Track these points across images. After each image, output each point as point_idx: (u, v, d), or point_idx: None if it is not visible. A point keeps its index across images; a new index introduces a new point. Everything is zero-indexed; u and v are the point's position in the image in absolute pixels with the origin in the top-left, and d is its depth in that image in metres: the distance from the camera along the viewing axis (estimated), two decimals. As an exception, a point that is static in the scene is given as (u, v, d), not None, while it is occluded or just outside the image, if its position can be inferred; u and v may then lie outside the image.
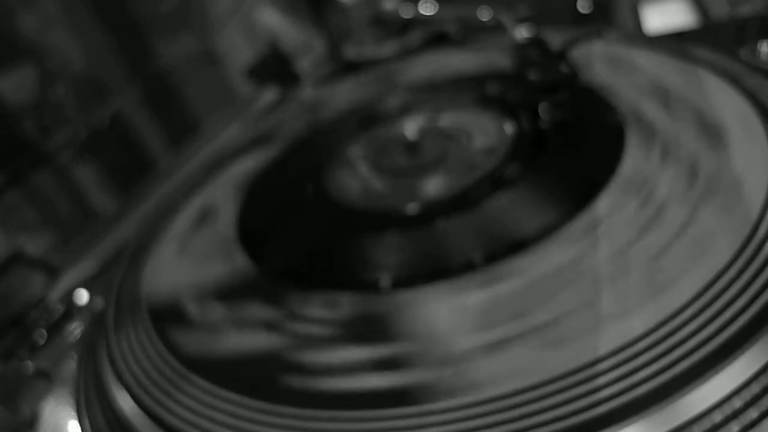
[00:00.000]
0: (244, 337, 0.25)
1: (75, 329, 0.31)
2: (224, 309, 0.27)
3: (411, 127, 0.37)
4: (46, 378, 0.28)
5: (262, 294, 0.27)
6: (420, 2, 0.49)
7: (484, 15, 0.44)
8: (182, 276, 0.30)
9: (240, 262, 0.30)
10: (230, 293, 0.28)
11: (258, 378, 0.23)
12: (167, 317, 0.28)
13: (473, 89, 0.38)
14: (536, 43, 0.36)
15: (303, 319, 0.25)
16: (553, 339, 0.20)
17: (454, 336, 0.22)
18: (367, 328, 0.24)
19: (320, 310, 0.25)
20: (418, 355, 0.22)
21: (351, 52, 0.52)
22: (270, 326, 0.25)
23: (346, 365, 0.22)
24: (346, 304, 0.25)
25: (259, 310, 0.26)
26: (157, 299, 0.29)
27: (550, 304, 0.22)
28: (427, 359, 0.21)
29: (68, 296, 0.34)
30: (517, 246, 0.25)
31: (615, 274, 0.22)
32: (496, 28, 0.42)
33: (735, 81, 0.30)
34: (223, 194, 0.36)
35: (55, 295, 0.34)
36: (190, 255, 0.32)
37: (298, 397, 0.22)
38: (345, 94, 0.45)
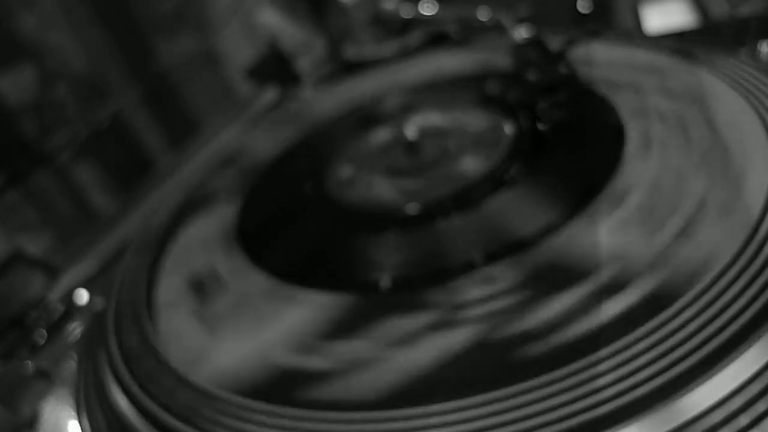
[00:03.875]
0: (419, 350, 0.22)
1: (75, 329, 0.31)
2: (357, 341, 0.23)
3: (411, 127, 0.37)
4: (46, 378, 0.28)
5: (387, 310, 0.24)
6: (420, 2, 0.49)
7: (484, 15, 0.44)
8: (249, 348, 0.25)
9: (312, 298, 0.26)
10: (343, 327, 0.24)
11: (488, 367, 0.21)
12: (283, 388, 0.23)
13: (473, 89, 0.38)
14: (535, 43, 0.36)
15: (473, 303, 0.23)
16: (720, 208, 0.22)
17: (641, 242, 0.22)
18: (551, 279, 0.23)
19: (483, 289, 0.23)
20: (627, 271, 0.22)
21: (351, 52, 0.52)
22: (438, 326, 0.23)
23: (570, 312, 0.21)
24: (504, 273, 0.24)
25: (405, 322, 0.23)
26: (244, 383, 0.23)
27: (685, 194, 0.24)
28: (638, 270, 0.21)
29: (68, 296, 0.34)
30: (518, 245, 0.25)
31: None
32: (495, 28, 0.42)
33: (735, 81, 0.30)
34: (204, 252, 0.32)
35: (55, 295, 0.34)
36: (227, 329, 0.27)
37: (546, 361, 0.20)
38: (345, 94, 0.45)
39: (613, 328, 0.20)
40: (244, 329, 0.26)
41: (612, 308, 0.21)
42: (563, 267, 0.23)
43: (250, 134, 0.45)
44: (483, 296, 0.23)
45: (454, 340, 0.22)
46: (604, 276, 0.22)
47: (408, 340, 0.23)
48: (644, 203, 0.25)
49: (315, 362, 0.23)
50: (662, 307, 0.20)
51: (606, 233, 0.24)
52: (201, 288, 0.29)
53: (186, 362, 0.25)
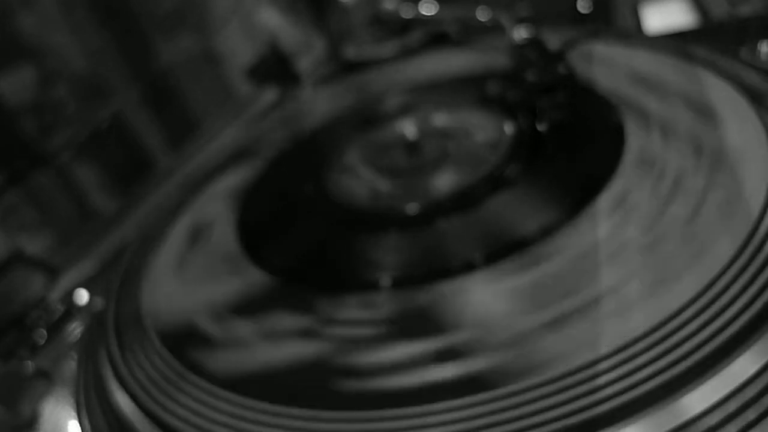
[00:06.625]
0: (280, 349, 0.24)
1: (75, 329, 0.31)
2: (248, 323, 0.26)
3: (411, 127, 0.37)
4: (46, 378, 0.28)
5: (286, 303, 0.26)
6: (420, 2, 0.49)
7: (484, 15, 0.44)
8: (188, 296, 0.29)
9: (252, 274, 0.29)
10: (250, 307, 0.27)
11: (307, 386, 0.22)
12: (183, 340, 0.26)
13: (472, 89, 0.38)
14: (535, 43, 0.36)
15: (341, 322, 0.25)
16: (611, 310, 0.21)
17: (509, 319, 0.22)
18: (415, 323, 0.23)
19: (358, 311, 0.25)
20: (479, 342, 0.21)
21: (351, 52, 0.52)
22: (306, 334, 0.24)
23: (404, 362, 0.22)
24: (384, 302, 0.25)
25: (288, 320, 0.25)
26: (166, 324, 0.27)
27: (596, 280, 0.22)
28: (489, 344, 0.21)
29: (68, 296, 0.34)
30: (518, 245, 0.25)
31: (652, 244, 0.23)
32: (495, 28, 0.42)
33: (735, 81, 0.30)
34: (213, 209, 0.35)
35: (55, 295, 0.34)
36: (191, 274, 0.30)
37: (355, 400, 0.21)
38: (344, 94, 0.45)
39: (431, 392, 0.20)
40: (243, 330, 0.26)
41: (440, 373, 0.21)
42: (432, 315, 0.23)
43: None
44: (350, 319, 0.24)
45: (302, 350, 0.24)
46: (452, 339, 0.22)
47: (274, 336, 0.25)
48: (643, 202, 0.25)
49: (213, 329, 0.26)
50: (483, 389, 0.20)
51: (492, 293, 0.24)
52: (195, 236, 0.30)
53: (149, 297, 0.27)
